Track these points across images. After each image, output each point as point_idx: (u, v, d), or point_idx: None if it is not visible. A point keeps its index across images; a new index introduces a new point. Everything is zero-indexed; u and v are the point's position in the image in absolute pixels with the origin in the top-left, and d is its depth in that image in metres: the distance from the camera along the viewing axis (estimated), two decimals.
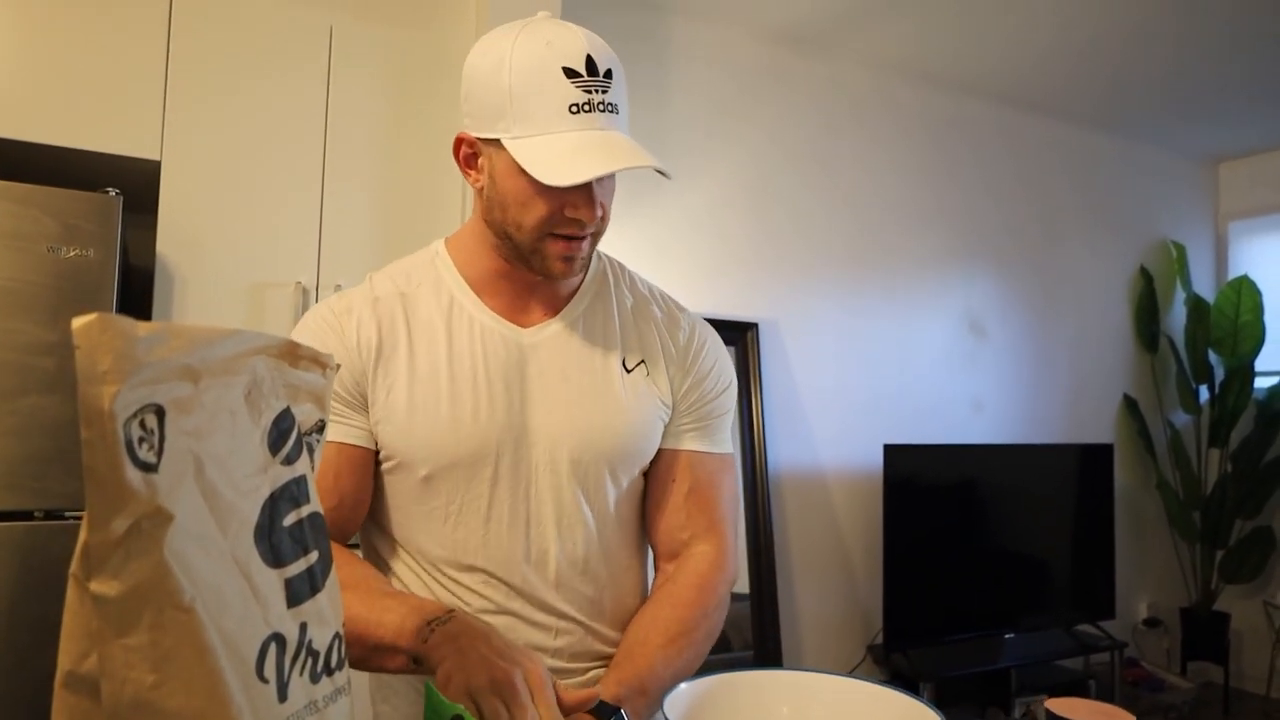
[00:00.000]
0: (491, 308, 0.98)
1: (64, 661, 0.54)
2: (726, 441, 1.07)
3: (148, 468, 0.51)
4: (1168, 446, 4.22)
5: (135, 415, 0.51)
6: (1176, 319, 4.40)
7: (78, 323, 0.49)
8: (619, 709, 0.85)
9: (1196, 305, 4.23)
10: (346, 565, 0.91)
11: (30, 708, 1.65)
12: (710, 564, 1.02)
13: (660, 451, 1.04)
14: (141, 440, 0.51)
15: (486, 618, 0.95)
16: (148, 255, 2.03)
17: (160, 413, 0.53)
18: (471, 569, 0.97)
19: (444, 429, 0.93)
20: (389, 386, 0.94)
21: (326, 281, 2.18)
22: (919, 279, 3.63)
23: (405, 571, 1.01)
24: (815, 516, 3.26)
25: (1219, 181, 4.65)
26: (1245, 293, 4.11)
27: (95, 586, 0.50)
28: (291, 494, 0.64)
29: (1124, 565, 4.04)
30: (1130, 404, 4.19)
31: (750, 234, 3.18)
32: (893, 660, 3.08)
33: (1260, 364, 4.12)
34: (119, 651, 0.51)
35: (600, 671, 0.98)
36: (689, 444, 1.04)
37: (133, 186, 1.98)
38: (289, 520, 0.63)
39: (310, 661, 0.63)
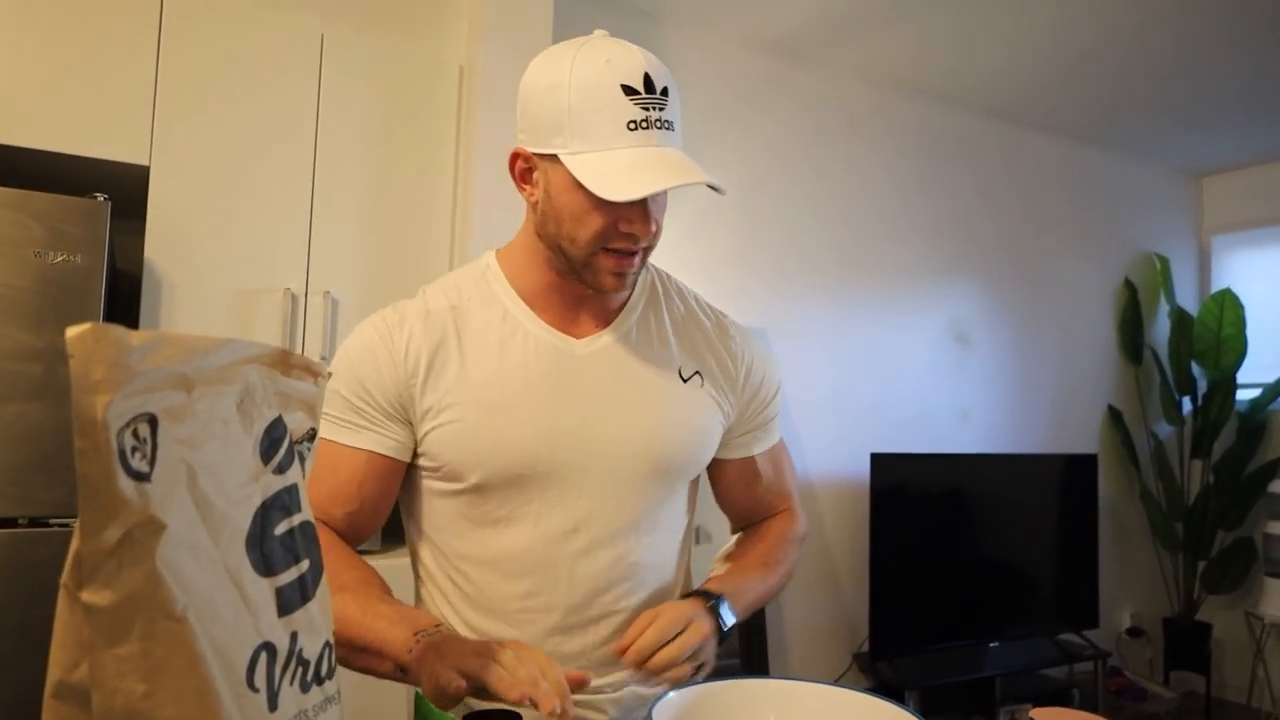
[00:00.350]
0: (544, 319, 0.98)
1: (54, 671, 0.53)
2: (779, 428, 1.15)
3: (140, 477, 0.51)
4: (1151, 457, 4.26)
5: (128, 424, 0.51)
6: (1160, 331, 4.45)
7: (71, 332, 0.49)
8: (721, 596, 0.95)
9: (1180, 318, 4.28)
10: (350, 569, 0.93)
11: (15, 715, 1.64)
12: (788, 518, 1.15)
13: (731, 463, 1.09)
14: (134, 449, 0.51)
15: (528, 621, 0.96)
16: (136, 261, 2.02)
17: (153, 422, 0.53)
18: (517, 575, 0.97)
19: (496, 439, 0.93)
20: (440, 398, 0.94)
21: (316, 288, 2.17)
22: (907, 289, 3.65)
23: (442, 578, 1.02)
24: None
25: (1202, 196, 4.71)
26: (1228, 306, 4.15)
27: (87, 596, 0.50)
28: (283, 503, 0.64)
29: (1107, 575, 4.07)
30: (1114, 415, 4.22)
31: (740, 242, 3.19)
32: (878, 669, 3.09)
33: (1242, 376, 4.17)
34: (110, 661, 0.51)
35: (635, 686, 1.00)
36: (757, 448, 1.10)
37: (121, 191, 1.96)
38: (280, 529, 0.63)
39: (301, 671, 0.63)
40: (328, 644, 0.66)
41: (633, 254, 0.92)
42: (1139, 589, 4.31)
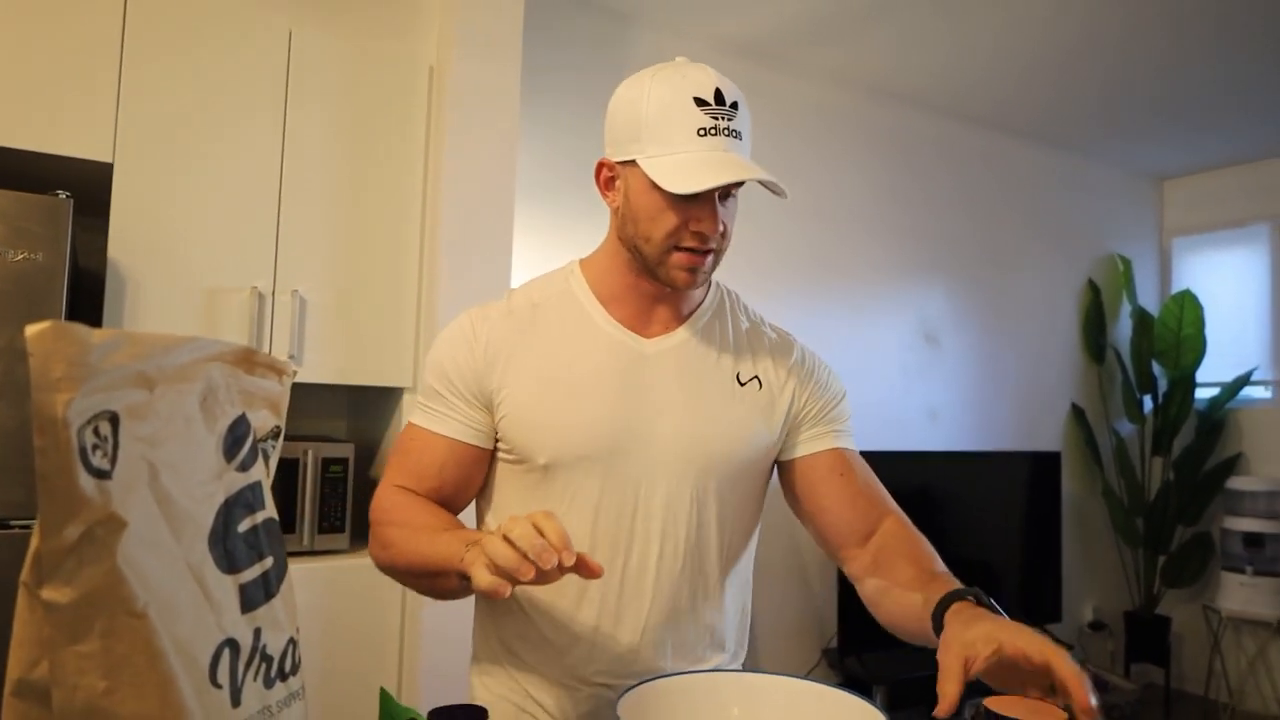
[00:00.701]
0: (617, 319, 1.07)
1: (14, 669, 0.53)
2: (853, 438, 1.17)
3: (101, 474, 0.51)
4: (1113, 455, 4.35)
5: (89, 422, 0.51)
6: (1122, 331, 4.54)
7: (31, 330, 0.49)
8: (973, 590, 0.92)
9: (1141, 318, 4.37)
10: (424, 512, 1.02)
11: None
12: (909, 522, 1.12)
13: (817, 456, 1.11)
14: (95, 447, 0.51)
15: (587, 600, 1.02)
16: (99, 259, 1.99)
17: (114, 420, 0.53)
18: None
19: (563, 423, 1.01)
20: (514, 384, 1.03)
21: (283, 287, 2.16)
22: (876, 290, 3.70)
23: None
24: (772, 521, 3.28)
25: (1164, 199, 4.81)
26: (1188, 306, 4.25)
27: (47, 594, 0.51)
28: (246, 500, 0.64)
29: (1070, 570, 4.14)
30: (1078, 413, 4.30)
31: None
32: (847, 664, 3.13)
33: (1201, 375, 4.27)
34: (71, 658, 0.51)
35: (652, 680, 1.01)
36: (839, 442, 1.12)
37: (84, 189, 1.94)
38: (243, 526, 0.64)
39: (264, 666, 0.63)
40: (292, 640, 0.67)
41: (704, 253, 1.00)
42: (1101, 583, 4.39)
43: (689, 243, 0.98)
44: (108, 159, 1.97)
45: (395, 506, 1.04)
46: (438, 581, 0.93)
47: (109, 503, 0.52)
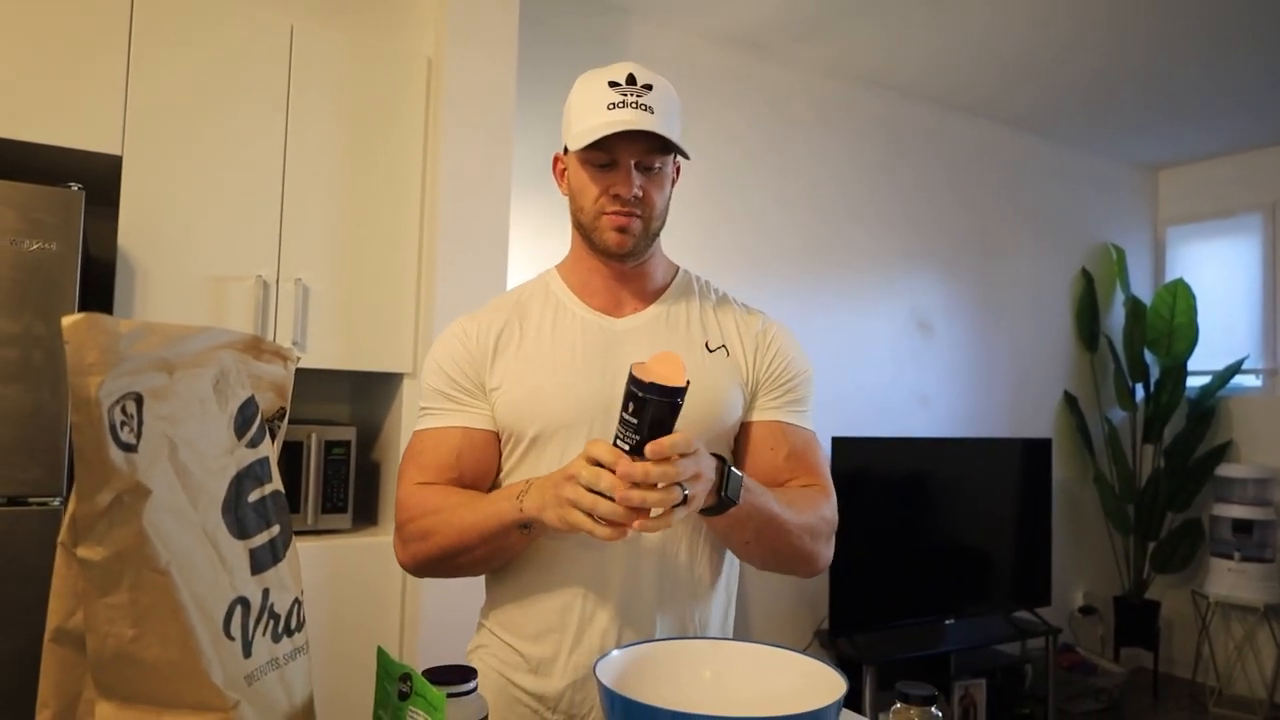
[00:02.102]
0: (591, 305, 1.17)
1: (52, 619, 0.61)
2: (810, 419, 1.23)
3: (128, 448, 0.58)
4: (1104, 442, 4.41)
5: (117, 402, 0.58)
6: (1116, 319, 4.59)
7: (67, 321, 0.56)
8: (734, 469, 1.00)
9: (1134, 307, 4.42)
10: (457, 493, 1.09)
11: None
12: (818, 490, 1.17)
13: (754, 424, 1.18)
14: (123, 424, 0.58)
15: (588, 563, 1.10)
16: (109, 248, 2.06)
17: (139, 400, 0.60)
18: None
19: (548, 396, 1.10)
20: (504, 368, 1.13)
21: (286, 275, 2.22)
22: (870, 278, 3.75)
23: None
24: None
25: (1158, 188, 4.85)
26: (1180, 295, 4.30)
27: (81, 552, 0.58)
28: (255, 474, 0.71)
29: (1061, 555, 4.21)
30: (1070, 400, 4.36)
31: (706, 232, 3.27)
32: (838, 644, 3.20)
33: (1193, 364, 4.32)
34: (102, 609, 0.58)
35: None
36: (780, 415, 1.19)
37: (94, 180, 2.00)
38: (253, 497, 0.71)
39: (272, 623, 0.70)
40: (297, 600, 0.74)
41: (627, 215, 1.09)
42: (1091, 569, 4.46)
43: (611, 206, 1.09)
44: (117, 151, 2.03)
45: (424, 499, 1.09)
46: (496, 544, 1.01)
47: (135, 473, 0.58)
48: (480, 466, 1.13)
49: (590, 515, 0.89)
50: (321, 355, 2.26)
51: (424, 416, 1.15)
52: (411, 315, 2.40)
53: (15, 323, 1.74)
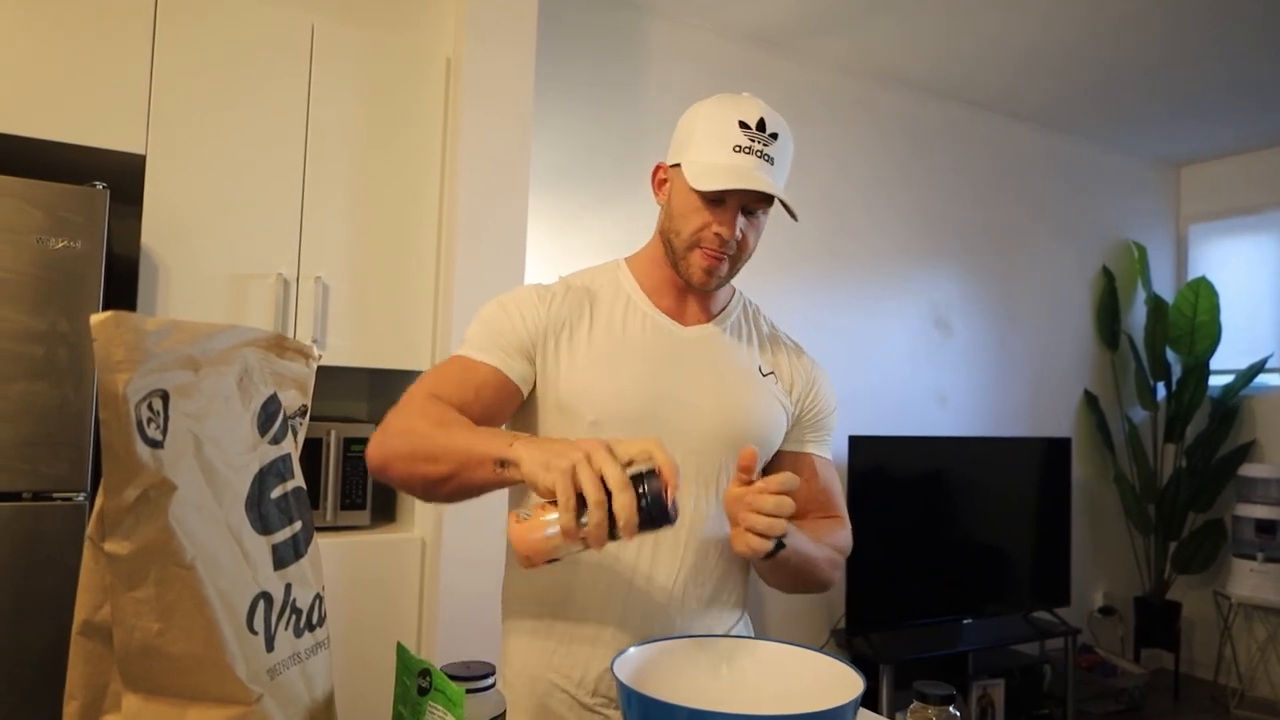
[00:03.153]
0: (659, 307, 1.20)
1: (80, 612, 0.62)
2: (830, 448, 1.33)
3: (155, 444, 0.59)
4: (1125, 441, 4.37)
5: (144, 399, 0.59)
6: (1137, 318, 4.54)
7: (95, 319, 0.57)
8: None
9: (1156, 305, 4.37)
10: (454, 417, 1.03)
11: (17, 678, 1.71)
12: (838, 522, 1.25)
13: (786, 454, 1.25)
14: (150, 420, 0.59)
15: (615, 557, 1.11)
16: (133, 247, 2.08)
17: (165, 397, 0.61)
18: None
19: (612, 386, 1.12)
20: (571, 350, 1.14)
21: (307, 273, 2.24)
22: (887, 276, 3.74)
23: None
24: None
25: (1180, 185, 4.79)
26: (1203, 293, 4.25)
27: (109, 546, 0.58)
28: (278, 470, 0.72)
29: (1080, 555, 4.18)
30: (1090, 399, 4.32)
31: None
32: (854, 643, 3.19)
33: (1215, 363, 4.28)
34: (129, 603, 0.59)
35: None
36: (813, 449, 1.27)
37: (118, 180, 2.03)
38: (276, 493, 0.71)
39: (294, 618, 0.71)
40: (318, 595, 0.75)
41: (720, 256, 1.12)
42: (1111, 569, 4.42)
43: (709, 243, 1.11)
44: (140, 151, 2.06)
45: (427, 406, 1.04)
46: (465, 473, 0.94)
47: (161, 469, 0.59)
48: (490, 410, 1.11)
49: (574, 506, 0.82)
50: (341, 353, 2.28)
51: (464, 346, 1.13)
52: (430, 313, 2.41)
53: (41, 320, 1.76)
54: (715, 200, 1.09)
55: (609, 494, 0.79)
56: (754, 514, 0.95)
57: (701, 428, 1.14)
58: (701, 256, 1.12)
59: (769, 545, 0.96)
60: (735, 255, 1.14)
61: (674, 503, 0.81)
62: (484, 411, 1.11)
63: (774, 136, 1.10)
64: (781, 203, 1.09)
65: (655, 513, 0.80)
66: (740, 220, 1.11)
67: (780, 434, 1.22)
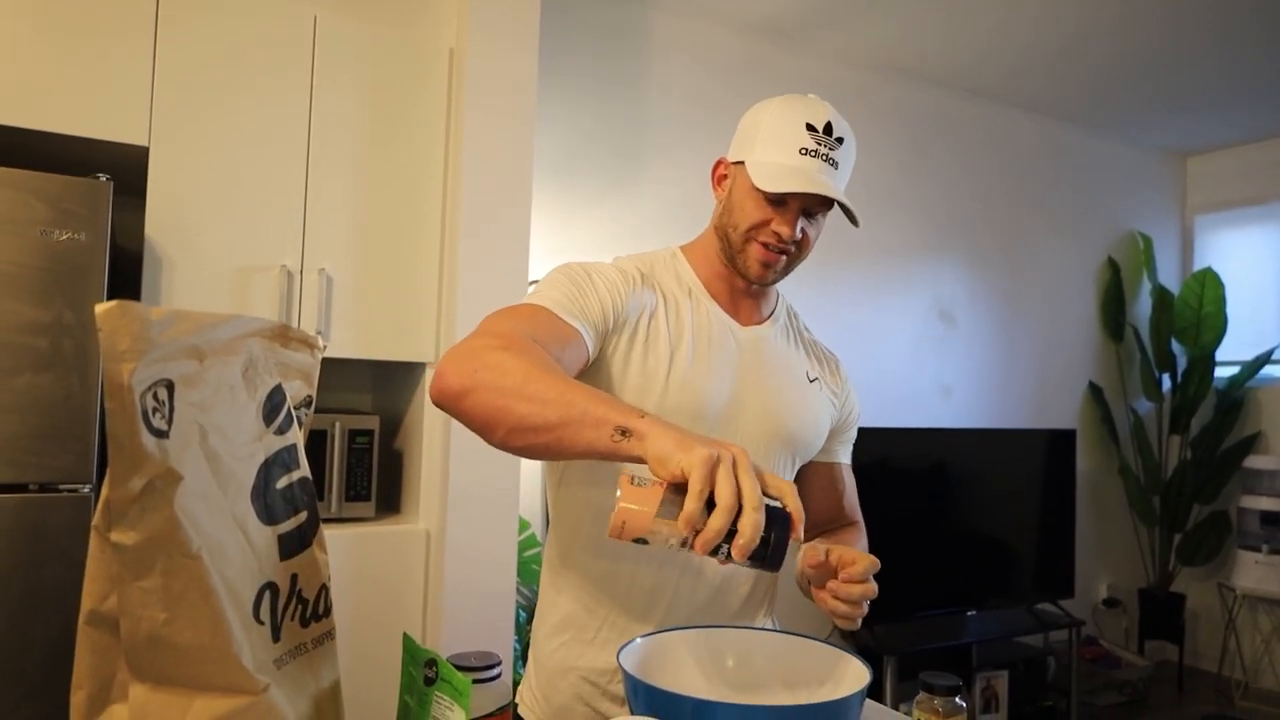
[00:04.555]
0: (718, 303, 1.20)
1: (87, 602, 0.62)
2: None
3: (160, 434, 0.59)
4: (1130, 433, 4.36)
5: (149, 389, 0.58)
6: (1142, 309, 4.53)
7: (100, 308, 0.57)
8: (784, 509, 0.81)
9: (1161, 296, 4.36)
10: (558, 365, 0.93)
11: (23, 669, 1.72)
12: (859, 530, 1.29)
13: (820, 465, 1.28)
14: (155, 410, 0.59)
15: (654, 560, 1.11)
16: (136, 239, 2.08)
17: (170, 387, 0.61)
18: None
19: (681, 379, 1.11)
20: (646, 336, 1.11)
21: (311, 265, 2.24)
22: (891, 268, 3.73)
23: (587, 519, 1.13)
24: None
25: (1186, 175, 4.77)
26: (1208, 284, 4.23)
27: (115, 536, 0.58)
28: (283, 460, 0.72)
29: (1085, 547, 4.18)
30: (1095, 391, 4.31)
31: None
32: (859, 635, 3.19)
33: (1221, 354, 4.26)
34: (136, 593, 0.59)
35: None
36: (842, 457, 1.31)
37: (122, 171, 2.02)
38: (281, 483, 0.71)
39: (300, 608, 0.71)
40: (324, 586, 0.75)
41: (779, 252, 1.12)
42: (1116, 561, 4.42)
43: (766, 239, 1.11)
44: (144, 143, 2.05)
45: (532, 349, 0.91)
46: (573, 426, 0.81)
47: (167, 459, 0.59)
48: (553, 340, 1.00)
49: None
50: (345, 345, 2.28)
51: (544, 299, 1.03)
52: (434, 305, 2.41)
53: (46, 312, 1.76)
54: (777, 201, 1.10)
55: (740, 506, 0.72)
56: (842, 603, 1.00)
57: (758, 430, 1.15)
58: (759, 250, 1.12)
59: (859, 624, 1.03)
60: (794, 255, 1.14)
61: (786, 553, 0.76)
62: (549, 348, 1.00)
63: (840, 141, 1.10)
64: (843, 208, 1.10)
65: (773, 553, 0.74)
66: (801, 221, 1.11)
67: (823, 440, 1.24)
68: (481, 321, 0.98)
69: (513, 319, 0.99)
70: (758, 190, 1.09)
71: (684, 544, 0.73)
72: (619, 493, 0.76)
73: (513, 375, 0.85)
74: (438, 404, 0.91)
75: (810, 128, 1.09)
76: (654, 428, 0.78)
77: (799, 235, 1.11)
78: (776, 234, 1.10)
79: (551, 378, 0.85)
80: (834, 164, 1.10)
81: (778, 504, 0.77)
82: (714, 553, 0.72)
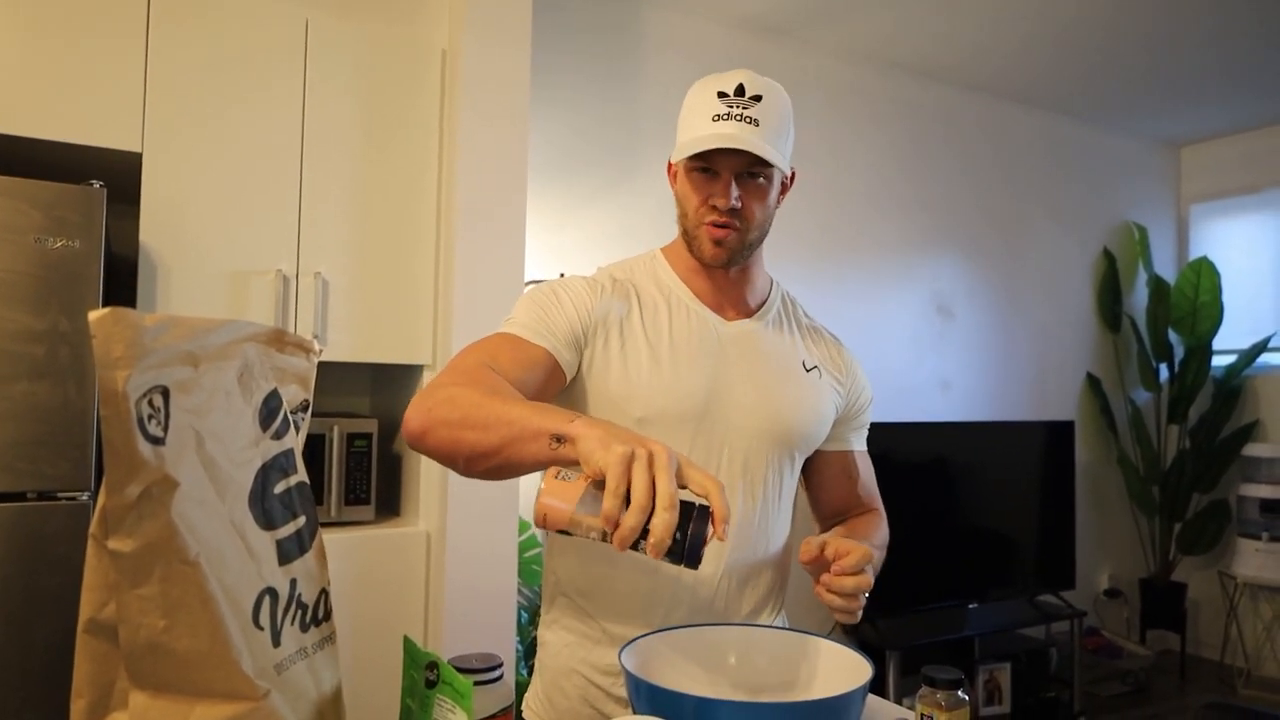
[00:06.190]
0: (700, 299, 1.19)
1: (85, 610, 0.61)
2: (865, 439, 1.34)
3: (156, 441, 0.59)
4: (1128, 423, 4.36)
5: (145, 395, 0.58)
6: (1138, 299, 4.53)
7: (94, 315, 0.56)
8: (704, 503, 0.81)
9: (1158, 286, 4.36)
10: (505, 384, 0.98)
11: (24, 677, 1.72)
12: (880, 518, 1.30)
13: (832, 453, 1.27)
14: (150, 417, 0.59)
15: (652, 563, 1.08)
16: (131, 245, 2.08)
17: (165, 393, 0.60)
18: None
19: (662, 382, 1.11)
20: (621, 344, 1.12)
21: (306, 269, 2.23)
22: (888, 262, 3.73)
23: None
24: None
25: (1181, 165, 4.77)
26: (1204, 274, 4.24)
27: (112, 544, 0.58)
28: (281, 465, 0.72)
29: (1085, 538, 4.18)
30: (1093, 382, 4.32)
31: None
32: (861, 629, 3.19)
33: (1218, 343, 4.26)
34: (134, 600, 0.59)
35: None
36: (855, 444, 1.30)
37: (115, 178, 2.02)
38: (279, 488, 0.71)
39: (300, 613, 0.71)
40: (323, 590, 0.74)
41: (724, 226, 1.10)
42: (1116, 551, 4.42)
43: (710, 216, 1.10)
44: (137, 149, 2.05)
45: (481, 375, 0.97)
46: (516, 445, 0.85)
47: (163, 465, 0.59)
48: (540, 393, 1.06)
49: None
50: (341, 348, 2.27)
51: (512, 325, 1.08)
52: (430, 306, 2.41)
53: (41, 320, 1.76)
54: (707, 171, 1.09)
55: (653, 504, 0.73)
56: (837, 597, 0.98)
57: (748, 426, 1.13)
58: (707, 232, 1.11)
59: (858, 618, 1.01)
60: (743, 228, 1.11)
61: (704, 550, 0.76)
62: (536, 393, 1.06)
63: (756, 99, 1.08)
64: (766, 160, 1.05)
65: (689, 551, 0.75)
66: (736, 189, 1.09)
67: (825, 429, 1.22)
68: (453, 360, 1.04)
69: (475, 352, 1.04)
70: (687, 169, 1.10)
71: (604, 538, 0.75)
72: (542, 485, 0.78)
73: (461, 407, 0.90)
74: (410, 447, 0.96)
75: (721, 94, 1.08)
76: (583, 429, 0.80)
77: (736, 203, 1.09)
78: (714, 207, 1.10)
79: (494, 401, 0.89)
80: (753, 121, 1.07)
81: (703, 501, 0.77)
82: (634, 548, 0.74)
